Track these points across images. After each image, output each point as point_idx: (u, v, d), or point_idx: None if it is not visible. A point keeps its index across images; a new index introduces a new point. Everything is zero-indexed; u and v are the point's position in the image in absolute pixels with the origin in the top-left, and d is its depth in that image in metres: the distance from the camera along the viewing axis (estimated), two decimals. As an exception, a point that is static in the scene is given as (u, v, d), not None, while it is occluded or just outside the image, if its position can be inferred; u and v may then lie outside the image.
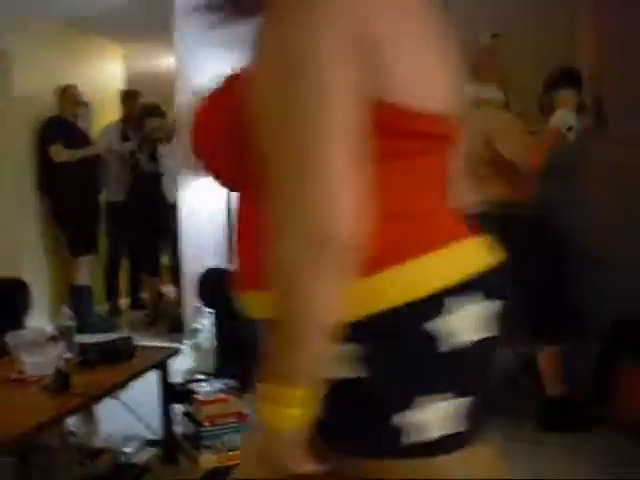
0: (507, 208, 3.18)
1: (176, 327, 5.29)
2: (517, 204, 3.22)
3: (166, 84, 5.48)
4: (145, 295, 6.22)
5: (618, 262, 3.67)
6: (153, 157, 5.72)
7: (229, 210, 4.72)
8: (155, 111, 5.72)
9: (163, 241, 5.86)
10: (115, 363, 2.86)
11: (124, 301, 6.29)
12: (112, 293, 6.14)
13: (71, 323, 2.99)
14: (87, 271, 5.63)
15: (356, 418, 1.02)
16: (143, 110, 5.83)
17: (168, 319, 5.66)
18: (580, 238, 3.40)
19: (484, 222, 3.28)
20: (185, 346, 4.50)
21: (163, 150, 5.58)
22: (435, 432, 1.00)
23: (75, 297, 5.53)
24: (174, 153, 5.26)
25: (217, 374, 3.84)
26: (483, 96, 3.36)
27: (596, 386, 3.48)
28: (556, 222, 3.33)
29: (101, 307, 6.02)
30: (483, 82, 3.36)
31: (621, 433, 3.19)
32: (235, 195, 1.16)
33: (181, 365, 4.20)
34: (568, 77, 3.44)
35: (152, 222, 5.74)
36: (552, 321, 3.30)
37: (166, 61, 6.55)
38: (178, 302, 5.46)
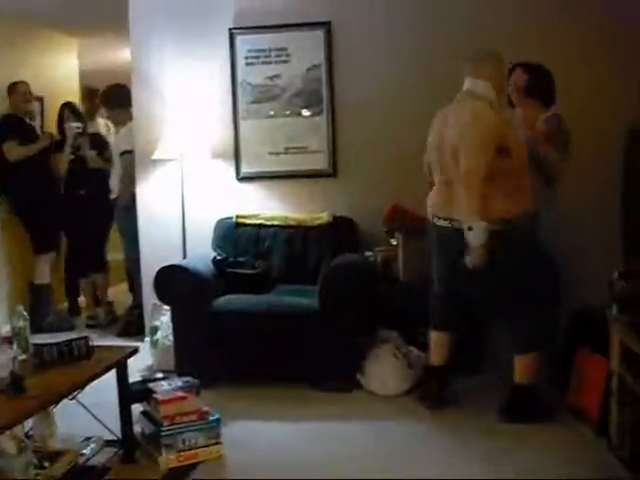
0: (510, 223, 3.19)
1: (130, 329, 5.21)
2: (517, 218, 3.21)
3: (122, 77, 5.40)
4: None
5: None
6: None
7: (183, 207, 4.70)
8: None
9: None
10: (72, 364, 2.83)
11: (84, 299, 6.14)
12: (72, 292, 6.03)
13: (24, 323, 2.93)
14: (48, 269, 5.54)
15: None
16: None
17: (124, 320, 5.50)
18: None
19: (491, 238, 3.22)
20: (145, 344, 4.46)
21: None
22: None
23: (35, 296, 5.44)
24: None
25: (177, 372, 3.81)
26: (476, 90, 3.32)
27: (557, 376, 3.54)
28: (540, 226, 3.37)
29: (61, 306, 5.93)
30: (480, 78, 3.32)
31: (576, 421, 3.25)
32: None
33: (141, 363, 4.17)
34: None
35: (99, 218, 5.60)
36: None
37: (121, 54, 6.46)
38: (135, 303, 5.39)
